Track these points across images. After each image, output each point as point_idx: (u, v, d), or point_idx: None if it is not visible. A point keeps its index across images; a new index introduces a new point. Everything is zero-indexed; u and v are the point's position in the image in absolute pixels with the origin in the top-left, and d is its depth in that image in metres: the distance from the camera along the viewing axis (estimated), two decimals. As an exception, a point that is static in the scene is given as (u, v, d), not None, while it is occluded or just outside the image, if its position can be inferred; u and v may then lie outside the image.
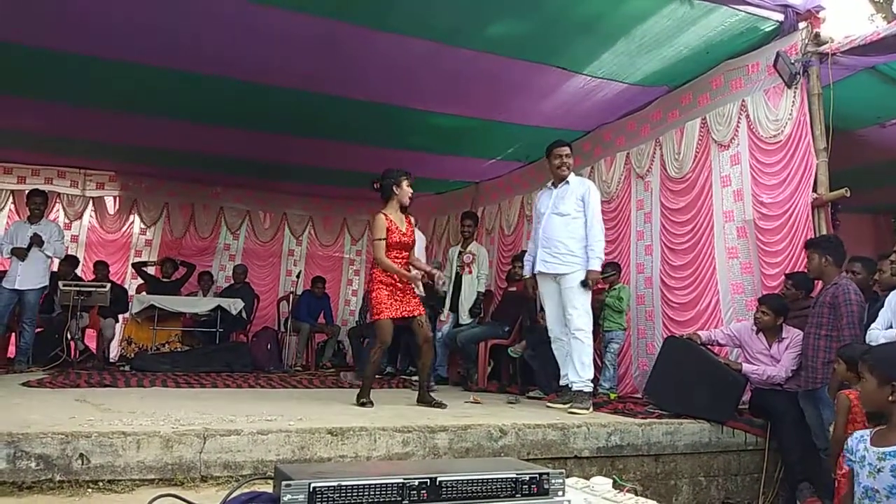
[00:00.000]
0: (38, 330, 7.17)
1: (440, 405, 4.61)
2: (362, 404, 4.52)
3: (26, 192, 7.46)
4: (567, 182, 5.06)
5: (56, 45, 5.24)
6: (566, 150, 5.10)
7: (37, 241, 6.74)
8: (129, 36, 5.07)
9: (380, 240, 4.73)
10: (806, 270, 4.48)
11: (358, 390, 4.73)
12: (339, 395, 5.32)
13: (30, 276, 6.74)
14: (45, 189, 7.68)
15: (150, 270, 9.33)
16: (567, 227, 4.92)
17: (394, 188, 4.83)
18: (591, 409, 4.64)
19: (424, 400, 4.75)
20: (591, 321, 4.93)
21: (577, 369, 4.78)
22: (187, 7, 4.71)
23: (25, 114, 6.88)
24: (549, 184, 5.20)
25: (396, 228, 4.78)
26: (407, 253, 4.89)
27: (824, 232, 4.70)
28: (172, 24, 4.92)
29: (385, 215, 4.80)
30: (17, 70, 5.70)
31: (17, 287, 6.69)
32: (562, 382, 5.04)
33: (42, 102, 6.49)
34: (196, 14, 4.79)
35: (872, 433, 2.51)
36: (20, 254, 6.70)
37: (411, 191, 4.90)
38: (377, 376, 4.82)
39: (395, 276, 4.75)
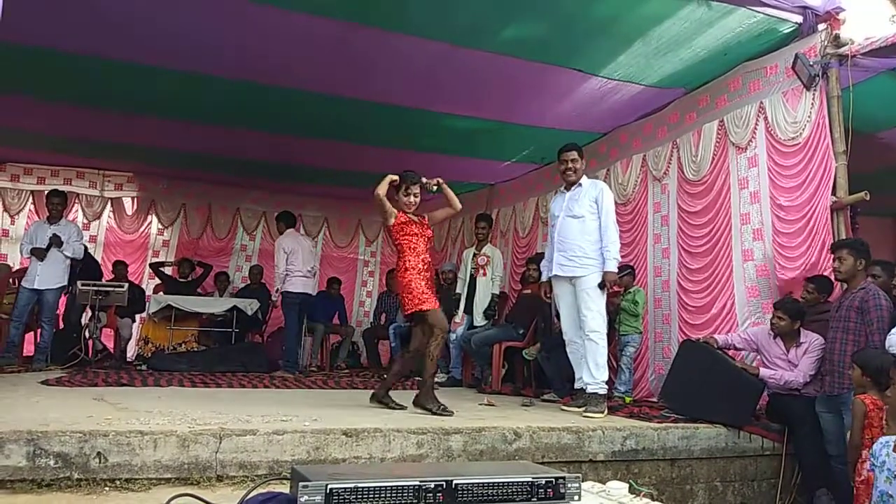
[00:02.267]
0: (57, 329, 7.26)
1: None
2: (428, 410, 4.28)
3: (46, 192, 7.55)
4: (580, 184, 5.03)
5: (77, 49, 5.30)
6: (572, 154, 5.03)
7: (56, 241, 6.83)
8: (149, 39, 5.12)
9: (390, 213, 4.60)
10: (834, 272, 4.35)
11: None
12: (353, 396, 5.34)
13: (48, 276, 6.83)
14: (64, 190, 7.77)
15: (168, 271, 9.45)
16: (581, 230, 4.89)
17: (395, 197, 4.74)
18: (605, 413, 4.63)
19: (380, 400, 4.64)
20: (605, 323, 4.90)
21: (592, 371, 4.76)
22: (207, 11, 4.74)
23: (46, 116, 6.95)
24: (562, 187, 5.17)
25: (410, 220, 4.67)
26: (425, 246, 4.67)
27: (843, 236, 4.64)
28: (192, 28, 4.96)
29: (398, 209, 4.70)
30: (39, 73, 5.76)
31: (36, 287, 6.79)
32: (576, 385, 5.02)
33: (62, 105, 6.56)
34: (215, 17, 4.82)
35: None
36: (39, 254, 6.79)
37: (413, 199, 4.70)
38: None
39: (423, 265, 4.58)
